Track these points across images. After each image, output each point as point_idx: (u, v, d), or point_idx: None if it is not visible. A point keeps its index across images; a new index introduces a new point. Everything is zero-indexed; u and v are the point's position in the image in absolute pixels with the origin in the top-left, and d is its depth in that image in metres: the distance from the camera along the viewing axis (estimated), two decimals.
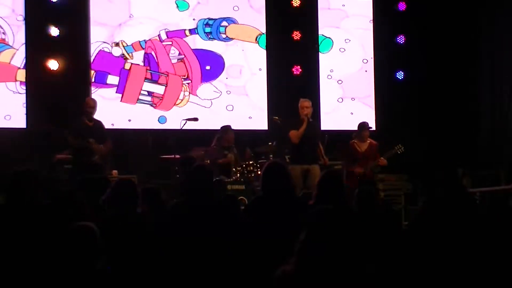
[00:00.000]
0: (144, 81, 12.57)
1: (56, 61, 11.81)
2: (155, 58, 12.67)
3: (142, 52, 12.59)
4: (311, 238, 3.66)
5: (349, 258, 3.61)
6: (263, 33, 13.19)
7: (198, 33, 12.95)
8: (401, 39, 13.61)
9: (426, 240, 5.19)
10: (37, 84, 11.82)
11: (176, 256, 5.10)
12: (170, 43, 12.79)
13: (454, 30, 13.39)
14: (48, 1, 11.83)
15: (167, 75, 12.68)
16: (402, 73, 13.61)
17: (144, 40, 12.63)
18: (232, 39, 13.11)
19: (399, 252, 5.13)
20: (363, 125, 10.98)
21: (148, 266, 4.83)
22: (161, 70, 12.69)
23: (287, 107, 11.70)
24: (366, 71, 13.71)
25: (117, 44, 12.47)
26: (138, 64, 12.57)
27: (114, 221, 5.19)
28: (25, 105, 11.79)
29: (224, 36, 13.08)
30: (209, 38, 13.02)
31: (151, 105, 12.60)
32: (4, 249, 5.17)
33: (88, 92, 11.99)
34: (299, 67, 13.26)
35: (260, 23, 13.21)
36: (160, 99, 12.61)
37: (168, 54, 12.77)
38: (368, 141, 10.90)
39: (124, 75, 12.48)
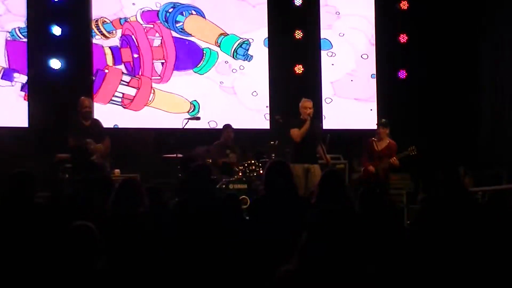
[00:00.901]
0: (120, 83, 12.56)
1: (58, 60, 11.84)
2: (135, 41, 12.61)
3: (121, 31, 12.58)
4: (313, 237, 3.67)
5: (350, 258, 3.62)
6: (227, 34, 13.04)
7: (159, 18, 12.81)
8: (403, 38, 13.62)
9: (427, 239, 5.19)
10: (39, 83, 11.85)
11: (177, 255, 5.11)
12: (152, 26, 12.74)
13: (456, 29, 13.39)
14: (50, 0, 11.85)
15: (139, 78, 12.59)
16: (404, 72, 13.63)
17: (125, 18, 12.58)
18: (190, 34, 12.93)
19: (400, 252, 5.13)
20: (379, 122, 10.99)
21: (150, 265, 4.84)
22: (140, 52, 12.61)
23: (289, 106, 11.71)
24: (367, 69, 13.71)
25: (96, 22, 12.44)
26: (116, 67, 12.50)
27: (115, 220, 5.20)
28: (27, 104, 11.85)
29: (181, 28, 12.87)
30: (168, 26, 12.86)
31: (122, 106, 12.54)
32: (3, 249, 5.18)
33: (90, 92, 12.00)
34: (301, 66, 13.27)
35: (262, 22, 13.24)
36: (131, 101, 12.56)
37: (147, 38, 12.70)
38: (388, 141, 10.88)
39: (100, 75, 12.43)
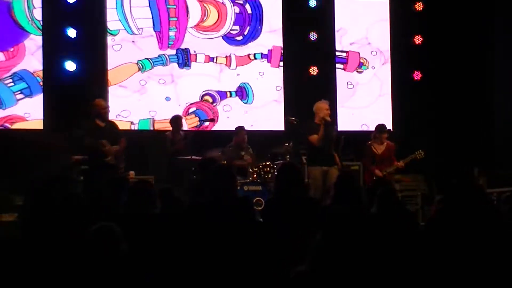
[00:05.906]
0: None
1: (73, 63, 11.86)
2: None
3: None
4: (327, 238, 3.66)
5: (364, 259, 3.61)
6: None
7: None
8: (418, 39, 13.58)
9: (443, 240, 5.17)
10: (54, 86, 11.88)
11: (191, 256, 5.11)
12: None
13: (471, 30, 13.34)
14: (65, 2, 11.88)
15: None
16: (419, 73, 13.59)
17: None
18: None
19: (416, 253, 5.12)
20: (380, 128, 10.90)
21: (163, 266, 4.85)
22: None
23: (303, 108, 11.68)
24: (382, 71, 13.68)
25: None
26: None
27: (130, 221, 5.21)
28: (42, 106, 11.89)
29: None
30: None
31: None
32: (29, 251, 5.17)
33: (105, 94, 12.01)
34: (315, 67, 13.25)
35: (276, 23, 13.23)
36: None
37: None
38: (385, 143, 10.84)
39: None
